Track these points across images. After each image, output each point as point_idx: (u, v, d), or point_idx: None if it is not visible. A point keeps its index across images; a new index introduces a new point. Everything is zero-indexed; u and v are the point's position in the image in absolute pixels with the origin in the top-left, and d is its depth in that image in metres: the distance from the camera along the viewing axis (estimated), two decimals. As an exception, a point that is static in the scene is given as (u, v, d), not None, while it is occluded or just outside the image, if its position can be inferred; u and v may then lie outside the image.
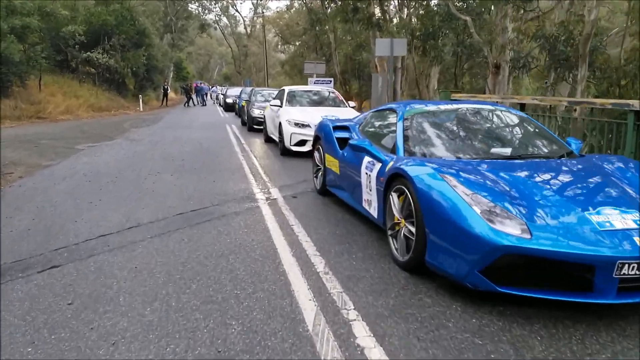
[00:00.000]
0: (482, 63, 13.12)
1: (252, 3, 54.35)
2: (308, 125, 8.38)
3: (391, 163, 3.41)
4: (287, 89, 10.17)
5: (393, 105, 4.21)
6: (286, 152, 8.66)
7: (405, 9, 20.18)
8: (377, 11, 16.46)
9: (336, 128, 5.04)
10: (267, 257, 3.40)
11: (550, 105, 6.15)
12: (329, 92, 10.55)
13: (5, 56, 16.34)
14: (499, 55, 10.08)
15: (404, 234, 3.11)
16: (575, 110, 7.10)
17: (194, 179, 6.39)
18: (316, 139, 5.60)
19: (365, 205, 3.90)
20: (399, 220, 3.20)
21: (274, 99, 10.72)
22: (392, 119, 4.04)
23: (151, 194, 5.50)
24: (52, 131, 13.59)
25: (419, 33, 13.46)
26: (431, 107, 4.01)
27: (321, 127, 5.41)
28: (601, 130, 5.69)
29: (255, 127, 13.41)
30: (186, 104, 31.74)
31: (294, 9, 40.17)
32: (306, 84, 20.16)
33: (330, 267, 3.19)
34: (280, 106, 9.46)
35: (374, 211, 3.68)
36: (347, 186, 4.43)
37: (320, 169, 5.44)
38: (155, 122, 17.52)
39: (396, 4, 19.58)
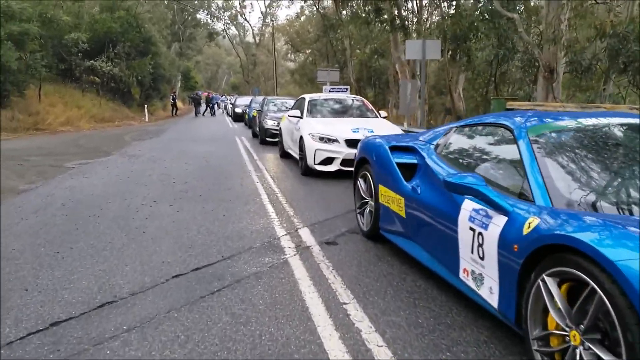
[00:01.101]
0: (525, 67, 11.69)
1: (261, 12, 53.55)
2: (336, 140, 6.99)
3: (534, 220, 1.97)
4: (307, 97, 8.79)
5: (502, 119, 2.76)
6: (309, 172, 7.26)
7: (426, 11, 18.86)
8: (402, 12, 15.13)
9: (395, 149, 3.62)
10: (320, 385, 1.97)
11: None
12: (354, 99, 9.15)
13: (2, 64, 15.19)
14: (563, 56, 8.64)
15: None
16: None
17: (198, 213, 4.99)
18: (361, 162, 4.18)
19: (466, 278, 2.46)
20: (565, 330, 1.75)
21: (291, 108, 9.37)
22: (506, 139, 2.61)
23: (140, 237, 4.10)
24: (46, 145, 12.34)
25: (450, 34, 12.04)
26: (568, 122, 2.57)
27: (370, 147, 4.00)
28: None
29: (268, 139, 12.06)
30: (197, 114, 30.89)
31: (304, 16, 39.14)
32: (318, 92, 18.85)
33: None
34: (301, 117, 8.07)
35: (489, 295, 2.23)
36: (424, 239, 3.00)
37: (367, 203, 4.02)
38: (159, 134, 16.25)
39: (415, 5, 18.24)
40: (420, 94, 10.48)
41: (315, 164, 7.07)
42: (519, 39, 10.61)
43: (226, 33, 55.97)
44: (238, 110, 24.75)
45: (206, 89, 58.73)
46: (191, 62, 52.98)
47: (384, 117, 8.40)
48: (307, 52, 37.68)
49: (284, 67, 54.55)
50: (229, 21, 52.89)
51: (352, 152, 6.87)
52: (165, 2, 40.15)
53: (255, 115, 14.63)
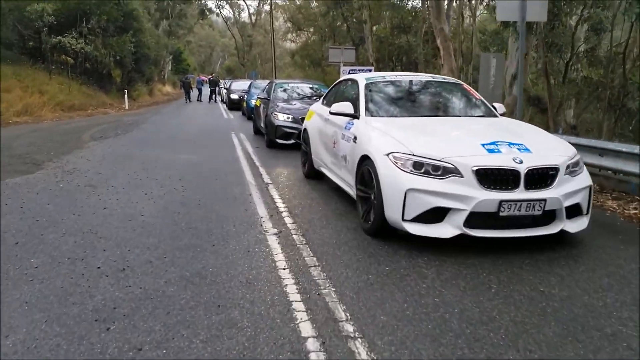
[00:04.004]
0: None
1: (258, -13, 49.06)
2: (453, 172, 3.31)
3: None
4: (361, 79, 4.93)
5: None
6: (382, 229, 3.62)
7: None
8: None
9: None
10: None
11: None
12: (445, 82, 5.25)
13: None
14: None
15: None
16: None
17: None
18: None
19: None
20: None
21: (324, 98, 5.68)
22: None
23: None
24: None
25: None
26: None
27: None
28: None
29: (280, 141, 8.38)
30: (187, 100, 27.44)
31: (307, -12, 34.87)
32: (323, 76, 15.04)
33: None
34: (356, 116, 4.37)
35: None
36: None
37: None
38: (133, 129, 12.48)
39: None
40: (517, 75, 6.84)
41: (406, 219, 3.37)
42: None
43: (220, 12, 51.58)
44: (234, 96, 20.93)
45: (200, 73, 54.58)
46: (182, 41, 48.65)
47: (502, 114, 4.71)
48: (311, 30, 33.62)
49: (282, 48, 50.34)
50: (222, -2, 48.41)
51: (492, 201, 3.22)
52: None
53: (258, 104, 10.87)
